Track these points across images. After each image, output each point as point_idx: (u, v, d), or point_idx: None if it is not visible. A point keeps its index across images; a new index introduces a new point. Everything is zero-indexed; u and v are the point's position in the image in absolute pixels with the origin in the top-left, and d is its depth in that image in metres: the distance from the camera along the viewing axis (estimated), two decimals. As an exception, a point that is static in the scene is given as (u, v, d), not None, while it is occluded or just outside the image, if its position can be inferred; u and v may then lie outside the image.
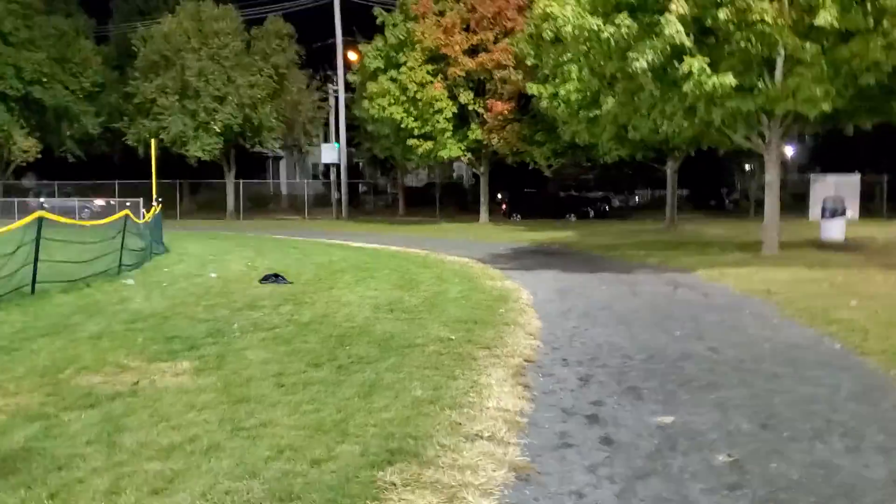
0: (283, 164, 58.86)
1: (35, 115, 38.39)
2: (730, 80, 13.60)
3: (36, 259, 10.87)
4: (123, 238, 13.07)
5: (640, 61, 13.80)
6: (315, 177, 55.13)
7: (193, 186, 45.48)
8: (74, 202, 35.69)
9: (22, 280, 10.62)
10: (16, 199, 35.90)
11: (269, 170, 57.91)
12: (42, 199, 35.44)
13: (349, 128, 40.49)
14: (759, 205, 36.46)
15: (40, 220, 10.94)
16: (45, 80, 36.63)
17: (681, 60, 13.82)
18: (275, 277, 12.68)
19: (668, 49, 13.72)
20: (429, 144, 29.36)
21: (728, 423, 5.21)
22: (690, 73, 13.63)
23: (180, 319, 8.86)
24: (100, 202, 35.74)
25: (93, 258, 12.94)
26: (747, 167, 44.07)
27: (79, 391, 5.84)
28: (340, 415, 5.19)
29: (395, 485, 4.07)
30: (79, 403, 5.52)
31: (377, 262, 16.73)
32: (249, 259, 17.18)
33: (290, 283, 12.53)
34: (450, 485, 4.10)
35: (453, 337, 7.69)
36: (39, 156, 39.02)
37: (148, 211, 20.93)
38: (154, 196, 24.03)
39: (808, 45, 13.35)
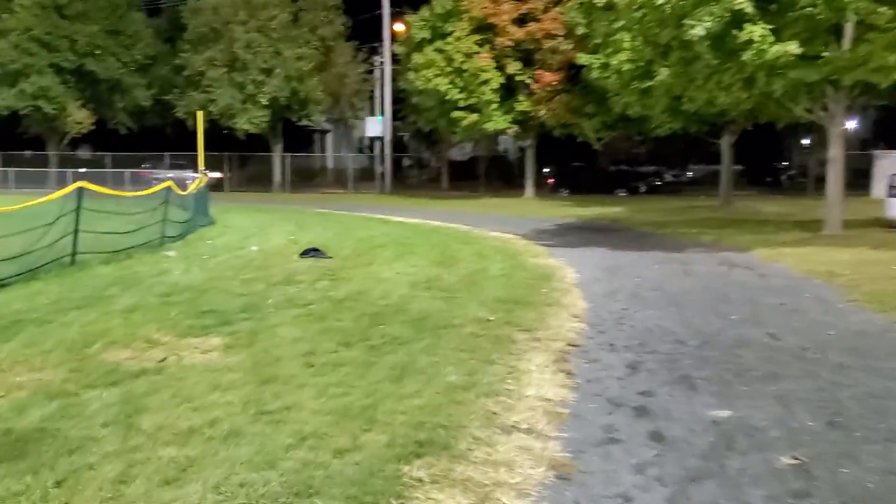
0: (329, 138, 58.86)
1: (88, 88, 38.87)
2: (793, 48, 12.80)
3: (76, 230, 10.81)
4: (167, 210, 12.98)
5: (697, 29, 13.10)
6: (361, 151, 54.99)
7: (242, 160, 45.76)
8: (187, 173, 35.09)
9: (63, 251, 10.58)
10: (69, 170, 36.46)
11: (316, 143, 58.04)
12: (152, 169, 35.67)
13: (394, 101, 40.09)
14: (819, 181, 35.15)
15: (80, 190, 10.87)
16: (98, 52, 37.00)
17: (741, 28, 13.06)
18: (314, 252, 12.46)
19: (728, 15, 12.97)
20: (474, 116, 28.77)
21: (791, 419, 4.75)
22: (751, 40, 12.87)
23: (216, 294, 8.66)
24: (215, 174, 35.14)
25: (135, 229, 12.90)
26: (805, 142, 42.44)
27: (104, 367, 5.65)
28: (369, 400, 4.89)
29: (421, 481, 3.75)
30: (102, 381, 5.32)
31: (417, 237, 16.41)
32: (291, 232, 17.02)
33: (330, 257, 12.29)
34: (482, 483, 3.76)
35: (492, 318, 7.32)
36: (93, 127, 39.56)
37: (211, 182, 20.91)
38: (201, 167, 24.09)
39: (882, 9, 12.46)
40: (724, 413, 4.85)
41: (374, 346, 6.27)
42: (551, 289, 9.44)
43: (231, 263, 11.31)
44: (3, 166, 39.81)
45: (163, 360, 5.92)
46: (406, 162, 54.32)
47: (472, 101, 28.56)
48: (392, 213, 24.61)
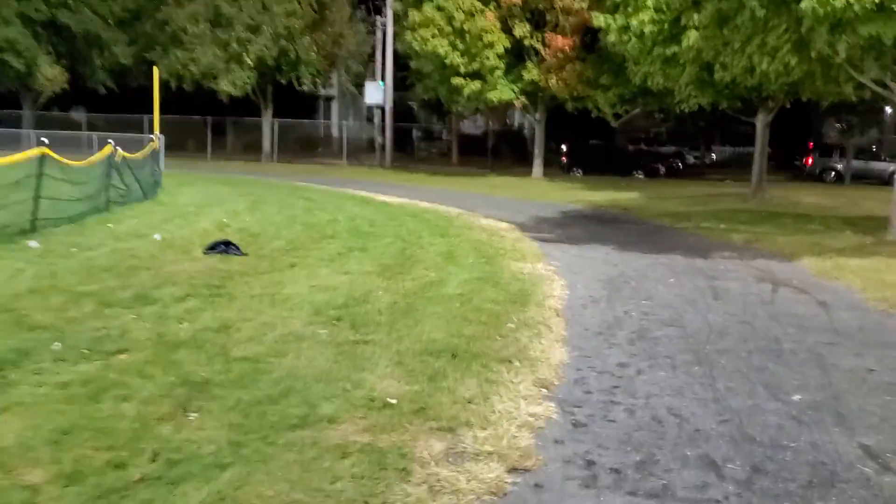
0: (334, 105, 55.76)
1: (64, 43, 35.92)
2: (869, -5, 9.62)
3: None
4: (39, 184, 10.09)
5: (742, -33, 9.94)
6: (369, 119, 51.88)
7: (237, 126, 42.82)
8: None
9: None
10: (33, 131, 33.63)
11: (321, 111, 54.99)
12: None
13: (402, 66, 36.82)
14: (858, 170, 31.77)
15: None
16: (71, 1, 33.98)
17: (799, -33, 9.90)
18: (225, 246, 9.54)
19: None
20: (476, 84, 25.53)
21: None
22: (813, -16, 9.71)
23: (8, 320, 5.77)
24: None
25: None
26: (838, 125, 38.91)
27: None
28: None
29: None
30: None
31: (387, 225, 13.47)
32: (235, 213, 14.13)
33: (244, 254, 9.39)
34: None
35: (394, 400, 4.35)
36: (66, 86, 36.69)
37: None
38: (156, 132, 21.22)
39: None
40: None
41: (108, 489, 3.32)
42: (523, 322, 6.48)
43: (99, 262, 8.41)
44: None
45: None
46: (416, 134, 51.36)
47: (475, 66, 25.32)
48: (382, 190, 21.66)
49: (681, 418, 4.43)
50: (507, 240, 12.29)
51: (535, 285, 8.27)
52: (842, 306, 7.63)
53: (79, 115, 42.28)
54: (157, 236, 10.51)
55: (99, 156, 13.52)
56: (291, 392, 4.35)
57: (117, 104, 38.75)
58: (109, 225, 11.47)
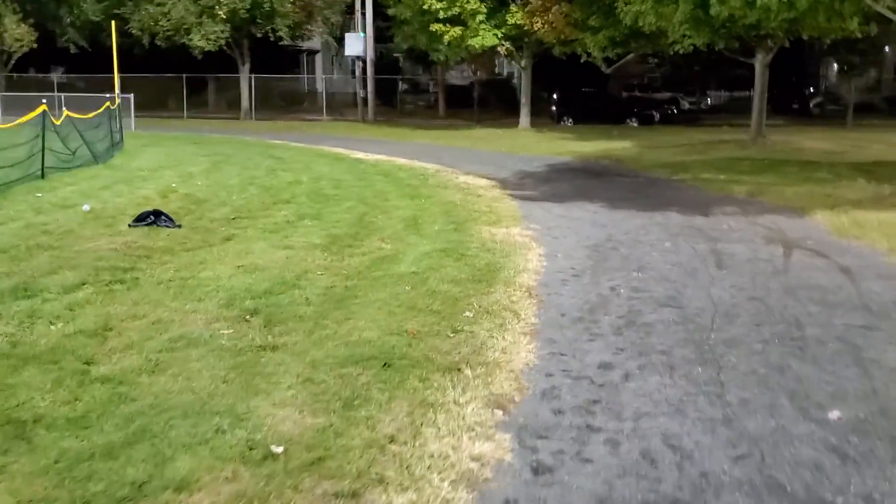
0: (318, 59, 53.74)
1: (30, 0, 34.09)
2: None
3: None
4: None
5: None
6: (354, 74, 49.99)
7: (216, 83, 41.03)
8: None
9: None
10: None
11: (304, 65, 53.01)
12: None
13: (385, 17, 34.96)
14: (859, 110, 30.33)
15: None
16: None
17: None
18: (154, 217, 8.28)
19: None
20: (457, 30, 23.85)
21: None
22: None
23: None
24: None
25: None
26: (836, 66, 37.33)
27: None
28: None
29: None
30: None
31: (355, 185, 12.21)
32: (189, 177, 12.84)
33: (178, 226, 8.15)
34: None
35: (279, 450, 3.12)
36: (34, 45, 34.89)
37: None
38: (116, 91, 19.77)
39: None
40: None
41: None
42: (484, 309, 5.28)
43: (1, 240, 7.16)
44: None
45: None
46: (402, 86, 49.62)
47: (455, 11, 23.64)
48: (359, 146, 20.31)
49: (681, 454, 3.26)
50: (483, 200, 11.05)
51: (508, 256, 7.06)
52: (870, 274, 6.43)
53: (58, 76, 40.58)
54: (86, 207, 9.23)
55: (28, 117, 12.15)
56: (143, 436, 3.16)
57: (94, 64, 36.94)
58: (39, 194, 10.18)
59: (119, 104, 19.28)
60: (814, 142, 20.39)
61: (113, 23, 20.11)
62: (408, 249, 7.18)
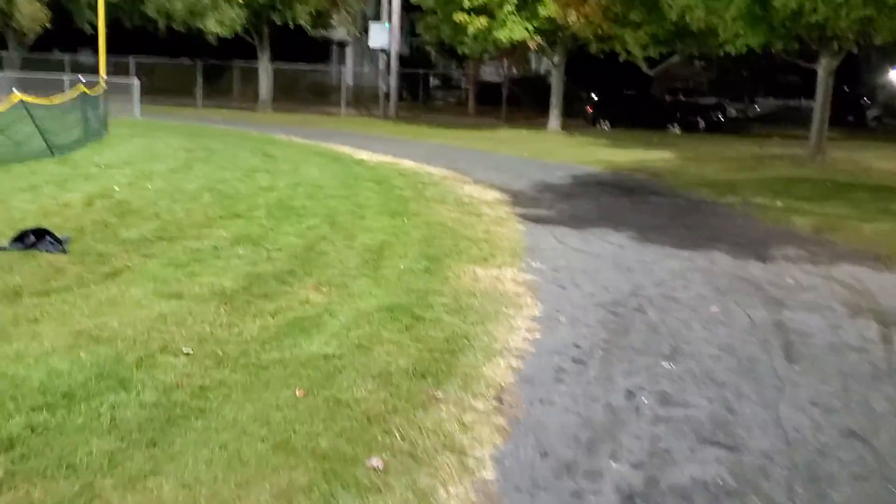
0: (349, 52, 51.93)
1: (45, -23, 32.76)
2: None
3: None
4: None
5: None
6: (380, 66, 48.07)
7: (234, 71, 39.42)
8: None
9: None
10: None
11: (334, 56, 51.25)
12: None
13: (413, 7, 32.98)
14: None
15: None
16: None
17: None
18: (36, 238, 6.33)
19: None
20: (483, 21, 21.70)
21: None
22: None
23: None
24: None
25: None
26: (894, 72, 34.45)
27: None
28: None
29: None
30: None
31: (335, 195, 10.25)
32: (146, 176, 10.98)
33: (62, 251, 6.20)
34: None
35: None
36: (48, 25, 33.65)
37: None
38: (101, 73, 18.02)
39: None
40: None
41: None
42: (408, 451, 3.21)
43: None
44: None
45: None
46: (433, 81, 47.69)
47: (481, 0, 21.49)
48: (369, 145, 18.39)
49: None
50: (483, 221, 8.98)
51: (485, 322, 4.97)
52: None
53: (87, 57, 39.46)
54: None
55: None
56: None
57: (113, 46, 35.62)
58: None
59: (105, 89, 17.52)
60: (883, 161, 17.85)
61: (100, 2, 18.32)
62: (345, 305, 5.12)
